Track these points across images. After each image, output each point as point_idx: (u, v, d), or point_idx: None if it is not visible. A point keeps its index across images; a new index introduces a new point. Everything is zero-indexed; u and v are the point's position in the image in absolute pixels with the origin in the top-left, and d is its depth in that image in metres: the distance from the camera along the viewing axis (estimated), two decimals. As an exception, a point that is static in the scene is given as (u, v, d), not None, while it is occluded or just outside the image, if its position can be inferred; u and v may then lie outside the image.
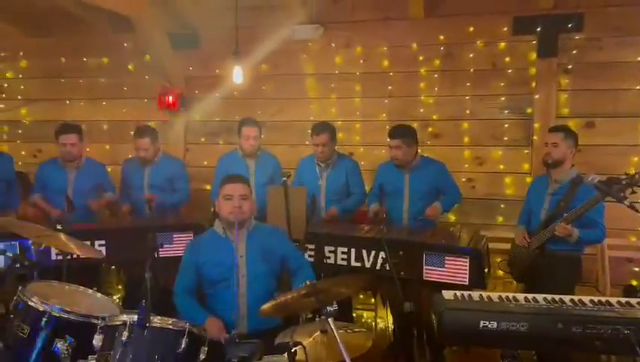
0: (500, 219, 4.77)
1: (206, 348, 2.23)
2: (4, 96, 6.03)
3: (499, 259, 4.22)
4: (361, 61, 5.01)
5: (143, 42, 5.24)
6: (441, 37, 4.79)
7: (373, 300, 4.67)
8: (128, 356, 2.07)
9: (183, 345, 2.13)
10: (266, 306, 2.33)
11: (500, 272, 4.15)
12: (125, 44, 5.55)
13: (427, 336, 3.31)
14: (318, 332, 2.43)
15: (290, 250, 3.10)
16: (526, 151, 4.69)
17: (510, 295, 2.62)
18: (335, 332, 2.03)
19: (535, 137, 4.59)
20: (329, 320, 2.07)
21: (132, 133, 4.55)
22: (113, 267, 4.53)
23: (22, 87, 5.99)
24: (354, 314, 4.79)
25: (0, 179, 4.22)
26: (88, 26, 5.39)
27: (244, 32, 4.91)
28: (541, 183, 3.74)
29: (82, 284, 3.06)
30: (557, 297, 2.55)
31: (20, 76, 6.00)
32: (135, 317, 2.08)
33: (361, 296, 4.85)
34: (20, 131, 5.99)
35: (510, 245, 3.90)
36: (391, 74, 4.96)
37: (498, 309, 2.36)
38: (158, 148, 4.52)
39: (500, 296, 2.60)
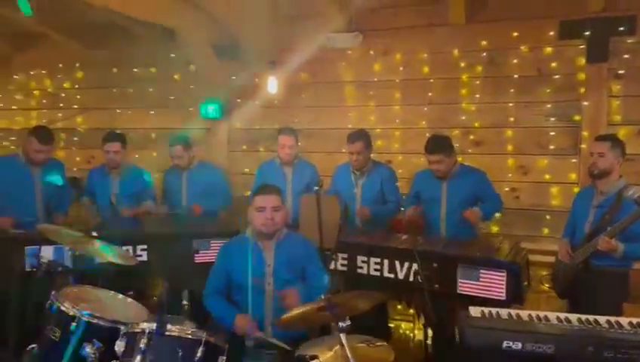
0: (546, 230, 4.57)
1: (224, 358, 2.25)
2: (61, 105, 6.37)
3: (544, 273, 4.05)
4: (401, 68, 4.95)
5: (187, 53, 5.40)
6: (484, 42, 4.66)
7: (411, 311, 4.59)
8: (146, 363, 2.13)
9: (199, 354, 2.16)
10: (280, 319, 2.33)
11: (545, 287, 3.98)
12: (172, 55, 5.74)
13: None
14: (338, 346, 2.41)
15: (313, 266, 3.07)
16: (573, 160, 4.48)
17: (542, 314, 2.51)
18: (347, 347, 2.00)
19: (583, 146, 4.37)
20: (341, 335, 2.05)
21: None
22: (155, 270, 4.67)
23: (78, 96, 6.32)
24: (391, 325, 4.73)
25: (51, 185, 4.44)
26: (138, 38, 5.61)
27: (284, 40, 4.98)
28: (586, 195, 3.57)
29: (125, 287, 3.17)
30: (591, 318, 2.41)
31: (76, 86, 6.32)
32: (154, 325, 2.13)
33: (399, 307, 4.77)
34: (75, 138, 6.31)
35: (554, 259, 3.74)
36: (431, 80, 4.87)
37: (524, 329, 2.27)
38: (193, 156, 4.63)
39: (530, 314, 2.49)
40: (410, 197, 4.30)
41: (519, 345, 2.16)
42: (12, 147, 6.48)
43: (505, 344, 2.17)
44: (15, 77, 6.57)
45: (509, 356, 2.17)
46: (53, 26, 5.62)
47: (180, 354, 2.15)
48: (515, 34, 4.56)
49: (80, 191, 4.90)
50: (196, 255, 3.98)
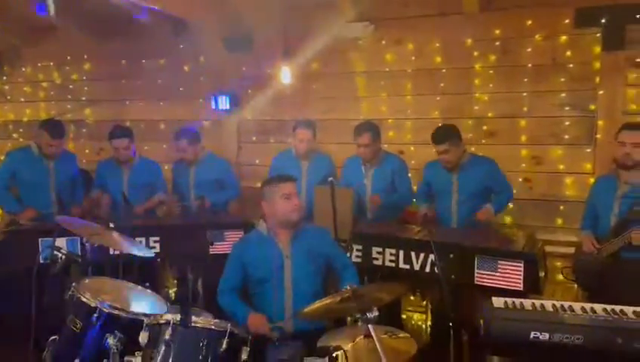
0: (560, 221, 4.54)
1: (248, 348, 2.24)
2: (69, 97, 6.34)
3: (558, 264, 4.03)
4: (413, 58, 4.90)
5: (198, 44, 5.35)
6: (497, 31, 4.60)
7: (424, 302, 4.58)
8: (171, 354, 2.12)
9: (224, 345, 2.15)
10: (304, 310, 2.32)
11: (560, 277, 3.95)
12: (181, 46, 5.69)
13: (471, 343, 3.17)
14: (361, 337, 2.39)
15: (334, 249, 3.11)
16: (588, 150, 4.43)
17: (566, 304, 2.48)
18: (376, 339, 1.98)
19: (599, 135, 4.33)
20: (369, 326, 2.03)
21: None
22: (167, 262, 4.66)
23: (86, 88, 6.28)
24: (404, 316, 4.71)
25: (64, 177, 4.43)
26: (146, 29, 5.55)
27: (295, 31, 4.93)
28: (607, 185, 3.50)
29: (138, 279, 3.16)
30: (617, 308, 2.39)
31: (84, 78, 6.28)
32: (178, 317, 2.12)
33: (412, 298, 4.76)
34: (84, 130, 6.28)
35: (574, 250, 3.70)
36: (444, 70, 4.82)
37: (551, 320, 2.24)
38: (202, 148, 4.60)
39: (554, 304, 2.47)
40: (421, 188, 4.28)
41: (547, 336, 2.14)
42: (20, 139, 6.49)
43: (532, 335, 2.15)
44: (23, 69, 6.54)
45: (537, 347, 2.15)
46: (63, 18, 5.56)
47: (205, 345, 2.14)
48: (529, 22, 4.50)
49: (90, 183, 4.89)
50: (211, 246, 3.96)
